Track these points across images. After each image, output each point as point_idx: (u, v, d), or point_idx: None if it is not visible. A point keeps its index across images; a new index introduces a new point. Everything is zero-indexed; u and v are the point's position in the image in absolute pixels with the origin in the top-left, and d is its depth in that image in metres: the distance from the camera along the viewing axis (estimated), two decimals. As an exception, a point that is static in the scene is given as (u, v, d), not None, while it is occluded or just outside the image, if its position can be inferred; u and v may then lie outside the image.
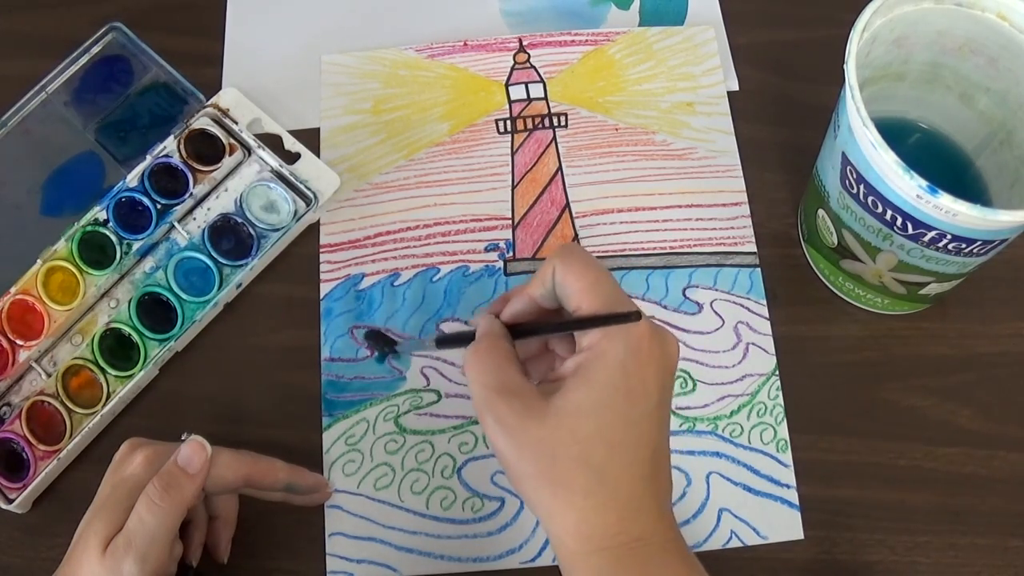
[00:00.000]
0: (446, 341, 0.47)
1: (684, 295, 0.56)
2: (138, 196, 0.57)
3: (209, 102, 0.60)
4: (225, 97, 0.60)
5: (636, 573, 0.37)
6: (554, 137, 0.60)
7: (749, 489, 0.52)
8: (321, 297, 0.57)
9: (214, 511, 0.49)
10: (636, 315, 0.38)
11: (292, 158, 0.59)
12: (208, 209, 0.58)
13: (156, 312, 0.55)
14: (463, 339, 0.43)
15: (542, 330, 0.43)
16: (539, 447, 0.38)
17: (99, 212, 0.56)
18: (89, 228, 0.56)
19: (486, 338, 0.41)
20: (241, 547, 0.50)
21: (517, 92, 0.62)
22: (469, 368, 0.40)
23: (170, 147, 0.58)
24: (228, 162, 0.58)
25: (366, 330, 0.54)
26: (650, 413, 0.39)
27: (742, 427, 0.53)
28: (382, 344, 0.52)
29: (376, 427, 0.54)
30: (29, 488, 0.52)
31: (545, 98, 0.61)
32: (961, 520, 0.51)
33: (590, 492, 0.37)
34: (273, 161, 0.58)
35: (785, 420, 0.53)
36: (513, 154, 0.60)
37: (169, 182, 0.57)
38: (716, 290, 0.56)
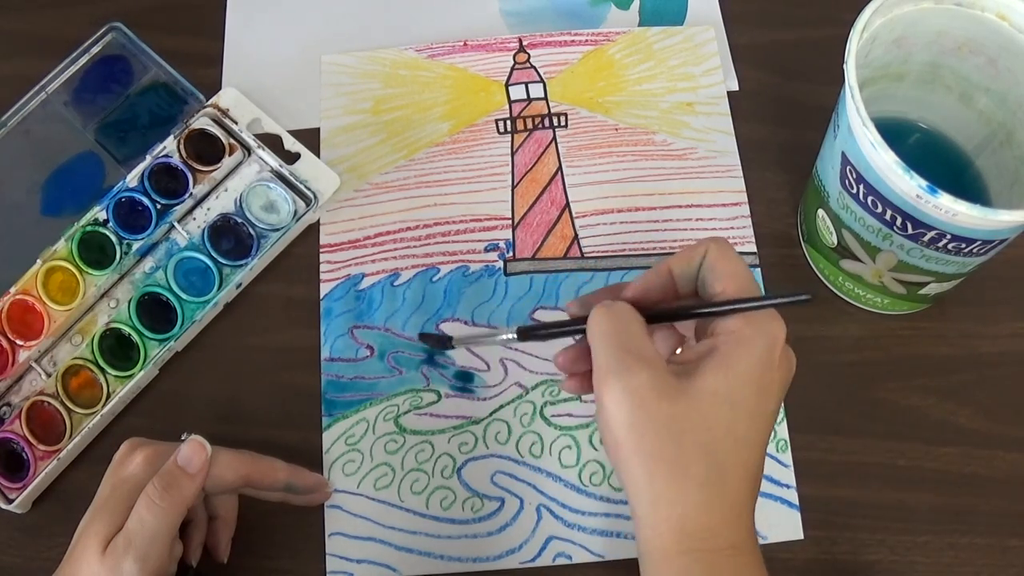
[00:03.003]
0: (531, 332, 0.42)
1: (684, 295, 0.56)
2: (138, 196, 0.57)
3: (209, 102, 0.60)
4: (225, 97, 0.60)
5: None
6: (554, 137, 0.60)
7: (749, 489, 0.52)
8: (321, 297, 0.57)
9: (214, 511, 0.49)
10: (807, 298, 0.37)
11: (292, 158, 0.59)
12: (208, 209, 0.58)
13: (156, 312, 0.55)
14: (558, 328, 0.40)
15: (689, 314, 0.39)
16: (667, 426, 0.36)
17: (99, 212, 0.56)
18: (89, 228, 0.56)
19: (615, 303, 0.39)
20: (241, 547, 0.50)
21: (517, 92, 0.62)
22: (599, 326, 0.38)
23: (170, 147, 0.58)
24: (228, 162, 0.58)
25: (420, 334, 0.52)
26: (769, 415, 0.38)
27: (742, 427, 0.53)
28: (437, 343, 0.50)
29: (376, 427, 0.54)
30: (29, 488, 0.52)
31: (545, 98, 0.61)
32: (961, 520, 0.51)
33: (706, 484, 0.36)
34: (273, 161, 0.58)
35: (785, 420, 0.53)
36: (513, 154, 0.60)
37: (169, 182, 0.57)
38: (716, 290, 0.56)
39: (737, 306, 0.38)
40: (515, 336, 0.42)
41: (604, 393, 0.37)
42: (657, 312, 0.40)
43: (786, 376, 0.38)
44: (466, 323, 0.56)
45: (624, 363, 0.36)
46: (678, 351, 0.42)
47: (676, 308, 0.40)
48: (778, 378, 0.38)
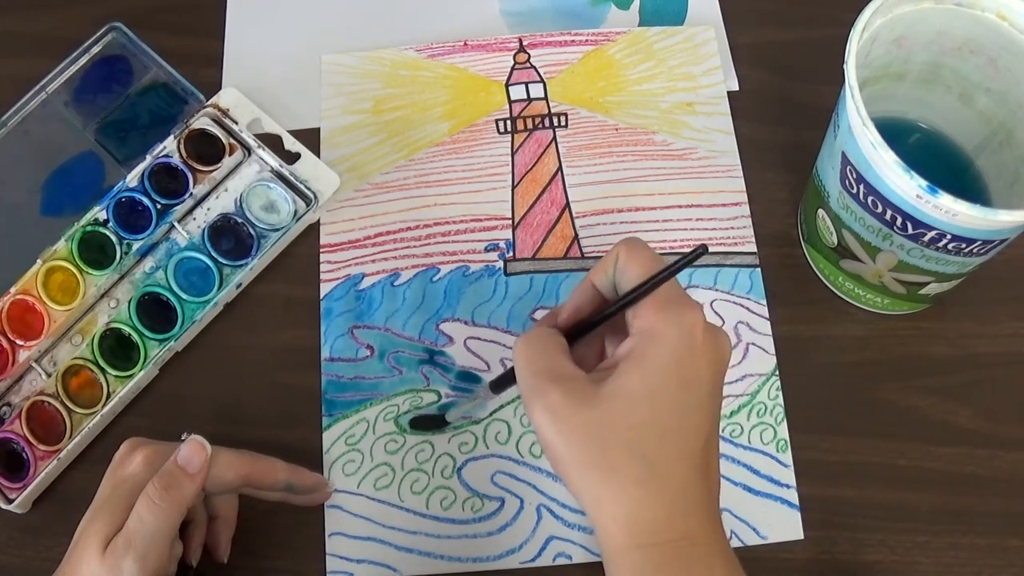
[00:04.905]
0: (501, 382, 0.46)
1: (684, 295, 0.56)
2: (138, 196, 0.57)
3: (209, 102, 0.60)
4: (225, 97, 0.60)
5: (679, 575, 0.37)
6: (554, 137, 0.60)
7: (749, 489, 0.52)
8: (321, 297, 0.57)
9: (214, 511, 0.49)
10: (702, 249, 0.37)
11: (292, 158, 0.59)
12: (208, 209, 0.58)
13: (156, 312, 0.55)
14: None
15: (598, 319, 0.40)
16: (589, 432, 0.37)
17: (99, 212, 0.56)
18: (89, 228, 0.56)
19: (535, 329, 0.41)
20: (241, 547, 0.50)
21: (517, 92, 0.62)
22: (518, 354, 0.40)
23: (170, 147, 0.58)
24: (228, 162, 0.58)
25: (410, 420, 0.53)
26: (702, 403, 0.38)
27: (742, 427, 0.53)
28: (431, 425, 0.53)
29: (376, 427, 0.54)
30: (29, 488, 0.52)
31: (545, 98, 0.61)
32: (961, 520, 0.51)
33: (641, 481, 0.37)
34: (273, 161, 0.58)
35: (785, 420, 0.53)
36: (513, 154, 0.60)
37: (169, 182, 0.57)
38: (716, 290, 0.56)
39: (636, 293, 0.38)
40: (490, 391, 0.46)
41: (530, 415, 0.38)
42: (575, 328, 0.41)
43: (715, 360, 0.38)
44: (466, 323, 0.56)
45: (538, 386, 0.38)
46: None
47: (588, 317, 0.41)
48: (704, 365, 0.38)
